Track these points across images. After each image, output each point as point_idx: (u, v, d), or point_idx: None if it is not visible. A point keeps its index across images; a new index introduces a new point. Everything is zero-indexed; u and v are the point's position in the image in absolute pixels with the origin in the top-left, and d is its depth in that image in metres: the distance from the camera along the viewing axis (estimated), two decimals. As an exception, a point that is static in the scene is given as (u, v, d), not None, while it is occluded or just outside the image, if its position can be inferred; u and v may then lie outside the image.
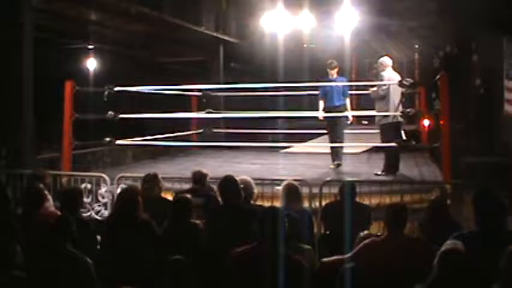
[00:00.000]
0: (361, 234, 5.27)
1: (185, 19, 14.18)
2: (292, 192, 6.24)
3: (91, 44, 15.31)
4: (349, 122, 10.34)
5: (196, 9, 15.01)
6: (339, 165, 9.90)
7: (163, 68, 17.83)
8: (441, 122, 9.52)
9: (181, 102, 12.69)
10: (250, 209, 5.49)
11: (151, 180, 6.51)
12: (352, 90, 10.95)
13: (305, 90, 12.00)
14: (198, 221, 5.43)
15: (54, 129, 10.71)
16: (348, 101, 10.07)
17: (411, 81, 9.49)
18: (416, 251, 4.72)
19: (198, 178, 6.78)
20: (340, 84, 10.06)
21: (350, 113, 10.11)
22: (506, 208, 4.57)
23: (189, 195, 5.61)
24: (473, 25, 12.58)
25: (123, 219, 5.44)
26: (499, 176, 9.52)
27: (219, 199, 5.95)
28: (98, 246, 5.67)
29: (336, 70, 10.08)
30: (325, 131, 10.69)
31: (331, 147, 10.07)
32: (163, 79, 11.75)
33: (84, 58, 16.18)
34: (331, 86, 10.00)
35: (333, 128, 10.08)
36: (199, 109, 12.79)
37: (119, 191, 7.15)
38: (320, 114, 10.08)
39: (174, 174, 8.41)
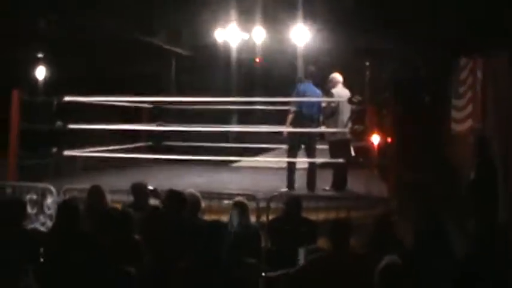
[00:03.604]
0: (307, 249, 5.31)
1: (138, 30, 14.14)
2: (240, 207, 6.25)
3: (40, 53, 15.11)
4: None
5: (150, 20, 14.98)
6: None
7: (116, 79, 17.68)
8: (388, 140, 9.68)
9: (133, 114, 12.61)
10: (194, 222, 5.47)
11: (96, 193, 6.44)
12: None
13: (258, 105, 12.10)
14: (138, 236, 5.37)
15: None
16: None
17: (360, 98, 9.63)
18: (360, 266, 4.76)
19: (137, 191, 6.72)
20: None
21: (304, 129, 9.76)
22: (444, 227, 4.69)
23: (130, 209, 5.57)
24: (423, 44, 12.83)
25: (64, 231, 5.36)
26: (443, 192, 9.71)
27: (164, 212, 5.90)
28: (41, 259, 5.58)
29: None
30: (275, 145, 10.69)
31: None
32: (115, 90, 11.64)
33: (33, 67, 15.93)
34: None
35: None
36: (150, 121, 12.73)
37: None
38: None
39: (122, 187, 8.32)
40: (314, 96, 9.67)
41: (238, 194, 6.91)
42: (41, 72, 16.08)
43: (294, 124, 9.65)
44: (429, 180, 10.78)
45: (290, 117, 9.70)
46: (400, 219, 7.35)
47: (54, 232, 5.66)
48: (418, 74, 14.19)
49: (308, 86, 9.72)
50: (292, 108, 9.71)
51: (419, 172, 11.39)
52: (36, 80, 15.98)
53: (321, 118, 9.78)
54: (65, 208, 5.54)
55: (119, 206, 6.96)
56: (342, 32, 14.93)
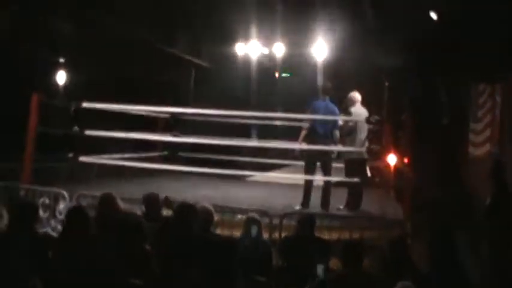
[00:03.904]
0: (319, 268, 5.25)
1: (159, 39, 14.18)
2: (252, 223, 6.19)
3: (61, 57, 15.18)
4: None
5: (171, 30, 15.02)
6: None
7: (134, 86, 17.73)
8: (405, 161, 9.60)
9: (149, 122, 12.62)
10: (206, 236, 5.42)
11: (107, 200, 6.40)
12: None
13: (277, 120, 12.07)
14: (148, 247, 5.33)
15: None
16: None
17: (378, 118, 9.57)
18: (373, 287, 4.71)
19: (150, 201, 6.67)
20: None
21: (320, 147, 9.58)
22: (458, 252, 4.61)
23: (141, 219, 5.53)
24: (442, 67, 12.79)
25: (72, 237, 5.33)
26: (456, 213, 9.61)
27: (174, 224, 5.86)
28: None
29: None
30: (290, 162, 10.61)
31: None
32: (133, 97, 11.66)
33: (54, 71, 16.00)
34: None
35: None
36: (166, 130, 12.72)
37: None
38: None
39: (136, 195, 8.29)
40: (330, 112, 9.55)
41: (252, 210, 6.85)
42: (61, 77, 16.13)
43: (307, 141, 9.56)
44: (445, 203, 10.67)
45: (302, 133, 9.59)
46: (414, 241, 7.29)
47: (62, 237, 5.63)
48: (438, 97, 14.11)
49: (324, 102, 9.62)
50: (305, 125, 9.60)
51: (435, 194, 11.29)
52: (56, 84, 16.05)
53: (337, 135, 9.66)
54: (74, 214, 5.52)
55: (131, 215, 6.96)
56: (362, 50, 14.90)
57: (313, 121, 9.50)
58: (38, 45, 13.58)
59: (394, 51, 14.33)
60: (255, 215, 6.31)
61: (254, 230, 6.07)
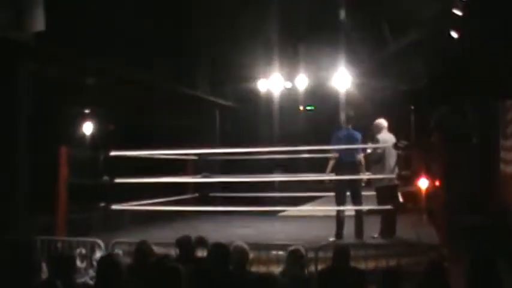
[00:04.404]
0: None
1: (180, 82, 14.34)
2: (297, 257, 6.14)
3: (86, 109, 15.42)
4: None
5: (192, 72, 15.18)
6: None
7: (159, 132, 17.90)
8: (437, 184, 9.52)
9: (178, 166, 12.70)
10: (242, 275, 5.41)
11: (143, 247, 6.45)
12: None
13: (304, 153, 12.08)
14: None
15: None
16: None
17: (406, 143, 9.53)
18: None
19: (183, 244, 6.69)
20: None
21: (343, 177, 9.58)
22: (500, 276, 4.54)
23: (177, 264, 5.53)
24: (468, 84, 12.74)
25: (105, 285, 5.36)
26: (496, 238, 9.45)
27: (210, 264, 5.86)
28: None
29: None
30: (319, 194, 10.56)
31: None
32: (159, 143, 11.77)
33: (80, 122, 16.24)
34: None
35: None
36: (195, 173, 12.80)
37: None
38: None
39: (170, 239, 8.33)
40: (352, 140, 9.57)
41: (286, 245, 6.81)
42: (88, 127, 16.36)
43: (334, 171, 9.57)
44: (481, 225, 10.52)
45: (330, 164, 9.63)
46: (451, 265, 7.19)
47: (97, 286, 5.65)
48: (466, 116, 14.03)
49: (346, 131, 9.67)
50: (331, 155, 9.64)
51: (470, 216, 11.14)
52: (83, 134, 16.27)
53: (361, 162, 9.62)
54: (105, 263, 5.55)
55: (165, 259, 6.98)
56: (385, 77, 14.93)
57: (338, 150, 9.52)
58: (64, 98, 13.82)
59: (417, 74, 14.34)
60: (301, 248, 6.25)
61: (297, 263, 6.02)
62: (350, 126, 9.71)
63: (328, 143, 9.90)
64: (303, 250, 6.30)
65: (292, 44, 14.58)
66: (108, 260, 5.53)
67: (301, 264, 6.17)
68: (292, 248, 6.25)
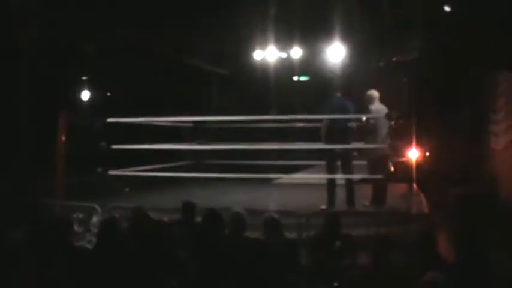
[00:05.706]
0: (347, 264, 5.38)
1: (179, 50, 14.38)
2: (271, 223, 6.23)
3: (86, 75, 15.46)
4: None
5: (189, 40, 15.19)
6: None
7: (156, 98, 17.95)
8: (427, 154, 9.68)
9: (173, 135, 12.82)
10: (238, 240, 5.57)
11: (139, 213, 6.61)
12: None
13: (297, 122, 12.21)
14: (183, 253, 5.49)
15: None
16: None
17: (398, 113, 9.65)
18: (402, 282, 4.80)
19: (188, 208, 6.88)
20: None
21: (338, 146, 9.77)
22: (487, 241, 4.70)
23: (174, 226, 5.71)
24: (464, 56, 12.80)
25: (106, 249, 5.54)
26: (485, 208, 9.64)
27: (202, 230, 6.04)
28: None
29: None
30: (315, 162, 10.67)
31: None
32: (156, 110, 11.88)
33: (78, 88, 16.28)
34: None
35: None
36: (191, 140, 12.94)
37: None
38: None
39: (166, 205, 8.51)
40: (340, 108, 9.63)
41: (279, 211, 6.98)
42: (85, 94, 16.40)
43: (326, 139, 9.68)
44: (472, 194, 10.70)
45: (324, 131, 9.72)
46: (441, 234, 7.39)
47: (97, 250, 5.84)
48: (457, 88, 14.10)
49: (339, 100, 9.77)
50: (323, 123, 9.71)
51: (461, 186, 11.32)
52: (81, 101, 16.31)
53: (352, 131, 9.75)
54: (106, 227, 5.72)
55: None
56: (379, 48, 14.98)
57: (327, 119, 9.61)
58: (63, 65, 13.85)
59: (411, 46, 14.38)
60: (272, 215, 6.34)
61: (274, 230, 6.14)
62: (339, 94, 9.80)
63: (317, 110, 9.96)
64: (275, 216, 6.34)
65: (288, 14, 14.56)
66: (110, 222, 5.71)
67: (278, 230, 6.25)
68: (265, 215, 6.33)
